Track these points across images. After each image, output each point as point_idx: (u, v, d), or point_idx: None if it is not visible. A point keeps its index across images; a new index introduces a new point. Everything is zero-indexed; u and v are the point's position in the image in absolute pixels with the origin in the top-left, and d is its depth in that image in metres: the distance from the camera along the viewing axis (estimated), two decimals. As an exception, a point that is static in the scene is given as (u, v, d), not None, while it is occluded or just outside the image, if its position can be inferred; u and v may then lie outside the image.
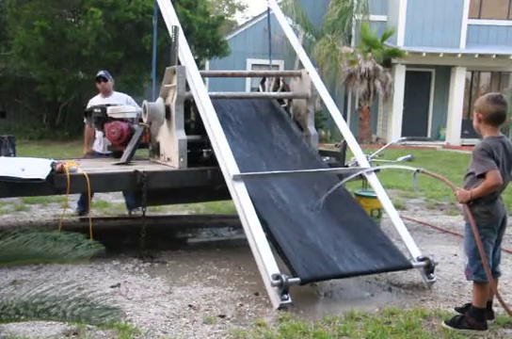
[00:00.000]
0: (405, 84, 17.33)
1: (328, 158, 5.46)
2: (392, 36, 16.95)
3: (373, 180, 4.60)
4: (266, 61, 11.12)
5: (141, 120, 5.17)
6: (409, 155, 5.70)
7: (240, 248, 4.73)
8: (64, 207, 5.57)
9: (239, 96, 5.70)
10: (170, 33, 4.93)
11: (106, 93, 6.12)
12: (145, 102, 4.94)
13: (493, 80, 19.53)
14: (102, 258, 4.40)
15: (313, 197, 4.39)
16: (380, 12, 18.08)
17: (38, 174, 4.12)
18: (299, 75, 5.50)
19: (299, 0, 18.06)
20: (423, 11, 17.34)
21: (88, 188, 4.35)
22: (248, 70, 17.31)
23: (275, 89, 5.69)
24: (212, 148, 4.52)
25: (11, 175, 4.07)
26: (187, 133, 4.83)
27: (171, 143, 4.86)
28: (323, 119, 15.90)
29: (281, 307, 3.46)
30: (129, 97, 6.24)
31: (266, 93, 5.69)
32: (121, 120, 5.35)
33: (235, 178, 4.09)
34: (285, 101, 5.62)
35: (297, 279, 3.56)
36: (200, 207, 6.97)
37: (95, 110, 5.47)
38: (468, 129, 16.40)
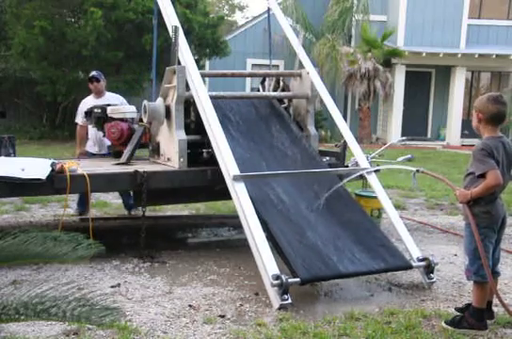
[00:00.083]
0: (405, 84, 17.33)
1: (327, 158, 5.46)
2: (392, 36, 16.95)
3: (373, 180, 4.60)
4: (266, 61, 11.14)
5: (141, 120, 5.17)
6: (409, 155, 5.70)
7: (240, 248, 4.73)
8: (64, 207, 5.57)
9: (239, 96, 5.70)
10: (170, 33, 4.93)
11: (99, 94, 6.12)
12: (145, 102, 4.93)
13: (493, 80, 19.53)
14: (102, 258, 4.39)
15: (313, 197, 4.38)
16: (380, 12, 18.08)
17: (38, 174, 4.12)
18: (299, 75, 5.50)
19: (299, 0, 18.06)
20: (423, 11, 17.35)
21: (88, 188, 4.34)
22: (248, 70, 17.32)
23: (275, 89, 5.69)
24: (212, 148, 4.52)
25: (11, 175, 4.07)
26: (187, 133, 4.83)
27: (171, 143, 4.86)
28: (323, 119, 15.90)
29: (281, 307, 3.46)
30: (121, 97, 6.24)
31: (266, 93, 5.68)
32: (121, 120, 5.35)
33: (235, 178, 4.09)
34: (285, 101, 5.62)
35: (297, 279, 3.56)
36: (200, 207, 6.97)
37: (95, 110, 5.47)
38: (468, 129, 16.38)
